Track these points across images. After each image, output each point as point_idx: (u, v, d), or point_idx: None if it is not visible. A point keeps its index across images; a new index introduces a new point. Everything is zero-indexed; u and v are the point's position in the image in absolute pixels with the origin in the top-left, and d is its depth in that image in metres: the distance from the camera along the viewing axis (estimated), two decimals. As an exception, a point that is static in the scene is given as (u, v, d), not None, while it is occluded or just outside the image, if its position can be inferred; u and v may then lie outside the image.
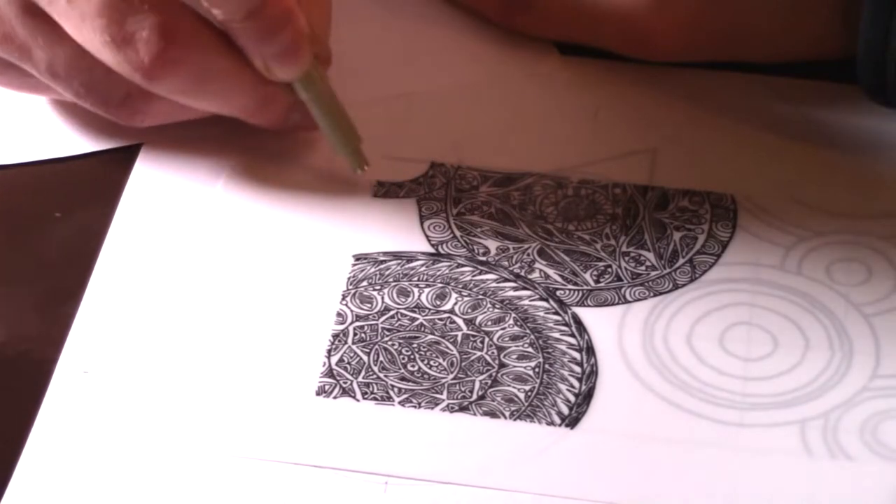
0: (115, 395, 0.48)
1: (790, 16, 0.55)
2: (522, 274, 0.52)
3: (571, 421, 0.48)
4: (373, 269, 0.52)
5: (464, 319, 0.50)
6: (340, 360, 0.49)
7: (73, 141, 0.56)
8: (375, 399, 0.48)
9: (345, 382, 0.49)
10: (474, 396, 0.48)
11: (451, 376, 0.49)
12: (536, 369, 0.49)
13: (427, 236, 0.53)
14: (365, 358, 0.49)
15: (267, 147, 0.56)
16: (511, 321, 0.50)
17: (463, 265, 0.52)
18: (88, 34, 0.50)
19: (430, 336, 0.50)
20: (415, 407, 0.48)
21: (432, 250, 0.52)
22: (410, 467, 0.47)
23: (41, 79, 0.53)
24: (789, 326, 0.50)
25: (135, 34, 0.49)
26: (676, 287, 0.51)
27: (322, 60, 0.53)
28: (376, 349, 0.50)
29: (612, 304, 0.51)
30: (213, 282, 0.51)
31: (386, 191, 0.54)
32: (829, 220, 0.53)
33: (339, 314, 0.51)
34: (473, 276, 0.52)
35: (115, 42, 0.49)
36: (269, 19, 0.50)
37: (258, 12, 0.50)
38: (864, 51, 0.52)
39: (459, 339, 0.50)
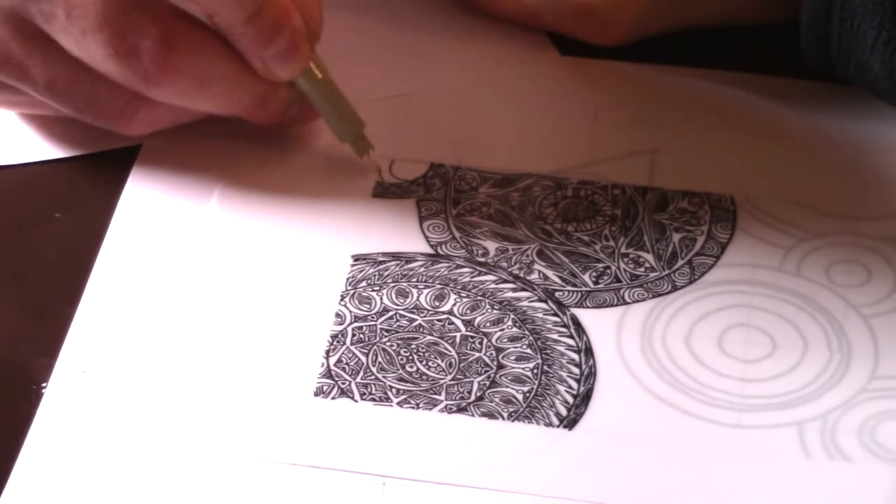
0: (114, 395, 0.48)
1: None
2: (521, 275, 0.52)
3: (569, 422, 0.48)
4: (372, 270, 0.52)
5: (462, 320, 0.50)
6: (339, 360, 0.49)
7: (72, 141, 0.56)
8: (374, 400, 0.48)
9: (343, 383, 0.49)
10: (472, 397, 0.48)
11: (450, 377, 0.49)
12: (535, 370, 0.49)
13: (426, 237, 0.53)
14: (363, 359, 0.49)
15: (267, 146, 0.56)
16: (510, 322, 0.50)
17: (462, 266, 0.52)
18: (89, 49, 0.50)
19: (429, 337, 0.50)
20: (413, 408, 0.48)
21: (431, 251, 0.52)
22: (408, 468, 0.47)
23: (38, 97, 0.53)
24: (788, 328, 0.50)
25: (136, 45, 0.50)
26: (675, 288, 0.51)
27: (313, 37, 0.53)
28: (375, 350, 0.50)
29: (611, 306, 0.51)
30: (212, 281, 0.51)
31: (385, 191, 0.54)
32: (829, 221, 0.53)
33: (337, 315, 0.51)
34: (472, 277, 0.52)
35: (117, 54, 0.50)
36: (268, 23, 0.51)
37: (256, 17, 0.50)
38: (809, 20, 0.53)
39: (458, 339, 0.50)
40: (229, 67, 0.52)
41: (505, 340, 0.50)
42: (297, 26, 0.51)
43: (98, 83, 0.52)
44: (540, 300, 0.51)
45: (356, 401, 0.48)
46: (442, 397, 0.48)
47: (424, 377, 0.49)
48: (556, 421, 0.48)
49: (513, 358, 0.49)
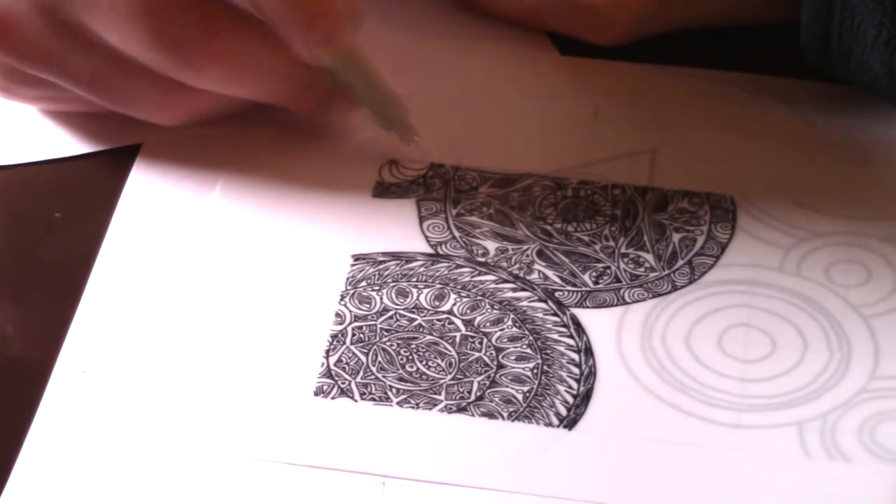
0: (114, 395, 0.48)
1: None
2: (521, 275, 0.52)
3: (569, 422, 0.48)
4: (371, 270, 0.52)
5: (462, 320, 0.50)
6: (339, 360, 0.49)
7: (72, 141, 0.56)
8: (373, 399, 0.48)
9: (343, 383, 0.49)
10: (472, 397, 0.48)
11: (450, 377, 0.49)
12: (535, 370, 0.49)
13: (426, 237, 0.53)
14: (363, 358, 0.49)
15: (267, 145, 0.56)
16: (510, 322, 0.50)
17: (462, 266, 0.52)
18: (132, 38, 0.50)
19: (429, 337, 0.50)
20: (413, 407, 0.48)
21: (431, 251, 0.52)
22: (408, 468, 0.47)
23: (79, 92, 0.53)
24: (788, 328, 0.50)
25: (179, 31, 0.50)
26: (675, 288, 0.51)
27: (355, 22, 0.53)
28: (375, 350, 0.50)
29: (611, 306, 0.51)
30: (211, 281, 0.51)
31: (385, 191, 0.54)
32: (829, 221, 0.53)
33: (337, 314, 0.51)
34: (472, 276, 0.52)
35: (161, 41, 0.50)
36: (310, 6, 0.50)
37: (299, 1, 0.50)
38: (808, 20, 0.53)
39: (458, 339, 0.50)
40: (270, 53, 0.51)
41: (505, 340, 0.50)
42: (340, 9, 0.51)
43: (139, 74, 0.52)
44: (540, 300, 0.51)
45: (356, 400, 0.48)
46: (442, 397, 0.48)
47: (424, 377, 0.49)
48: (556, 421, 0.48)
49: (513, 358, 0.49)
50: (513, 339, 0.50)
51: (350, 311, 0.51)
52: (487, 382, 0.49)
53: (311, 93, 0.53)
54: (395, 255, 0.52)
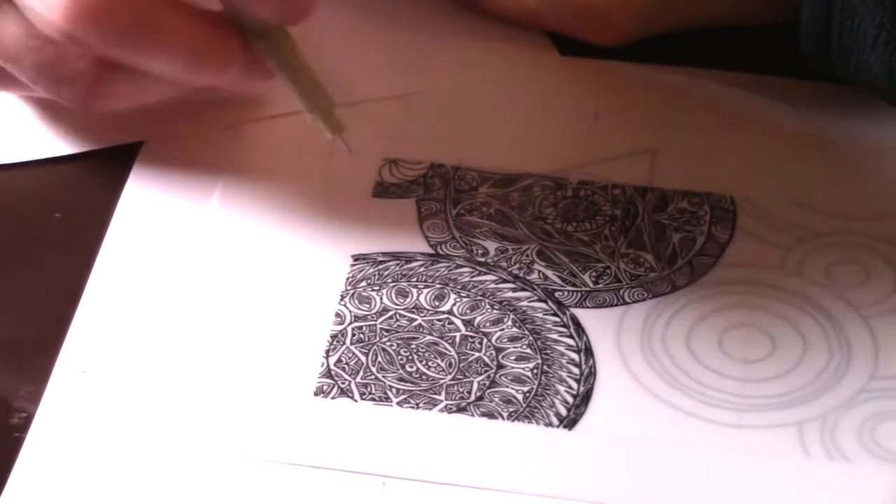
0: (114, 395, 0.48)
1: None
2: (521, 275, 0.52)
3: (569, 422, 0.48)
4: (371, 270, 0.52)
5: (462, 320, 0.50)
6: (339, 360, 0.49)
7: (72, 141, 0.56)
8: (373, 399, 0.48)
9: (343, 383, 0.49)
10: (472, 397, 0.48)
11: (450, 377, 0.49)
12: (535, 370, 0.49)
13: (426, 237, 0.53)
14: (363, 358, 0.49)
15: (267, 146, 0.56)
16: (509, 322, 0.50)
17: (462, 266, 0.52)
18: (52, 17, 0.49)
19: (429, 337, 0.50)
20: (413, 408, 0.48)
21: (431, 251, 0.52)
22: (408, 468, 0.47)
23: (6, 67, 0.52)
24: (788, 328, 0.50)
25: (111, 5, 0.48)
26: (675, 289, 0.51)
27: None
28: (374, 350, 0.50)
29: (611, 306, 0.51)
30: (212, 281, 0.51)
31: (385, 191, 0.54)
32: (829, 221, 0.53)
33: (337, 315, 0.51)
34: (472, 276, 0.52)
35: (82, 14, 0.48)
36: None
37: None
38: (808, 20, 0.53)
39: (458, 339, 0.50)
40: (169, 14, 0.49)
41: (505, 340, 0.50)
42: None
43: (49, 48, 0.50)
44: (540, 300, 0.51)
45: (356, 400, 0.48)
46: (442, 397, 0.48)
47: (424, 377, 0.49)
48: (555, 421, 0.48)
49: (513, 358, 0.49)
50: (513, 339, 0.50)
51: (350, 312, 0.51)
52: (487, 382, 0.49)
53: (219, 61, 0.50)
54: (395, 255, 0.52)
